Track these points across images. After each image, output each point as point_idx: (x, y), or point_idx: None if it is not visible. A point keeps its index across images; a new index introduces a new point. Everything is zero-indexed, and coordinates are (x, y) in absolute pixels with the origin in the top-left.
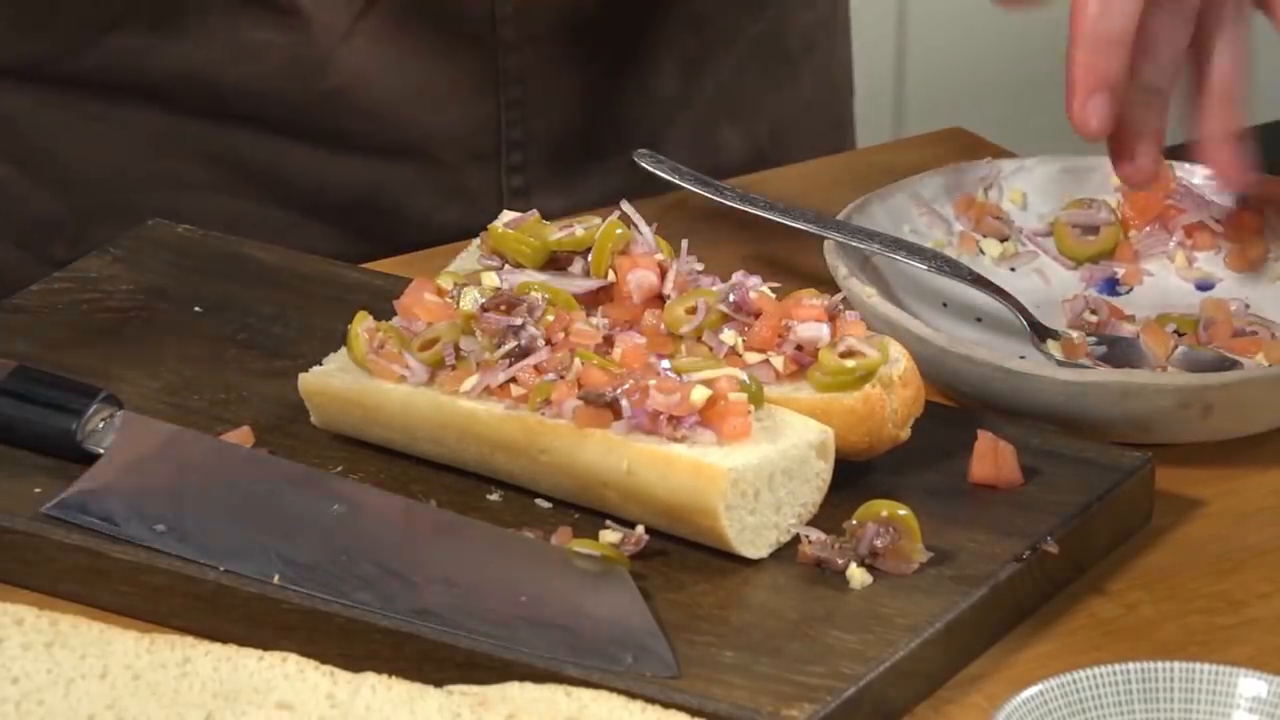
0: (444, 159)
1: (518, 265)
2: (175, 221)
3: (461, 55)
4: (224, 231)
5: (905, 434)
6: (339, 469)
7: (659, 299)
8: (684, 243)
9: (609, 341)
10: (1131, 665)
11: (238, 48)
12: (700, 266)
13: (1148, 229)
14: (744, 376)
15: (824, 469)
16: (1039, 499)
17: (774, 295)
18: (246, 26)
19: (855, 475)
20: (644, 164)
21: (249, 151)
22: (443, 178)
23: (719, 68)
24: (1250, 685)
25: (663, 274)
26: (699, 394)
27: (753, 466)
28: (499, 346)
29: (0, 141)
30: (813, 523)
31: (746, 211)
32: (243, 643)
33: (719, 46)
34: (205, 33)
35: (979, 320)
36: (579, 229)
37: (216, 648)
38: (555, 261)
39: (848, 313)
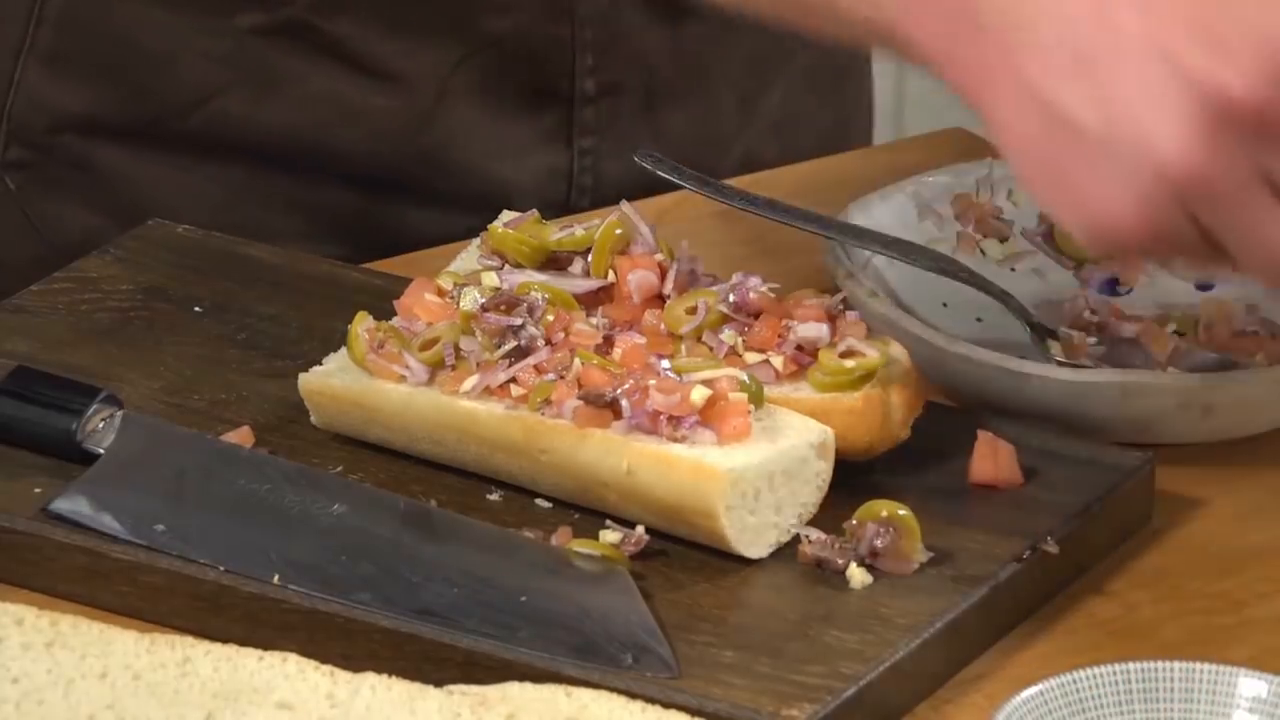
0: (517, 206)
1: (518, 265)
2: None
3: (541, 109)
4: None
5: (905, 434)
6: (339, 469)
7: (659, 299)
8: (684, 243)
9: (609, 341)
10: (1131, 665)
11: (338, 111)
12: (700, 266)
13: None
14: (744, 376)
15: (824, 469)
16: (1039, 499)
17: (774, 295)
18: (348, 91)
19: (855, 475)
20: (644, 164)
21: (335, 202)
22: None
23: (771, 98)
24: (1250, 685)
25: (663, 274)
26: (699, 394)
27: (753, 466)
28: (499, 346)
29: (96, 194)
30: (813, 523)
31: (746, 211)
32: (243, 643)
33: (773, 79)
34: (307, 97)
35: (979, 320)
36: (579, 229)
37: (216, 648)
38: (555, 261)
39: (848, 313)
